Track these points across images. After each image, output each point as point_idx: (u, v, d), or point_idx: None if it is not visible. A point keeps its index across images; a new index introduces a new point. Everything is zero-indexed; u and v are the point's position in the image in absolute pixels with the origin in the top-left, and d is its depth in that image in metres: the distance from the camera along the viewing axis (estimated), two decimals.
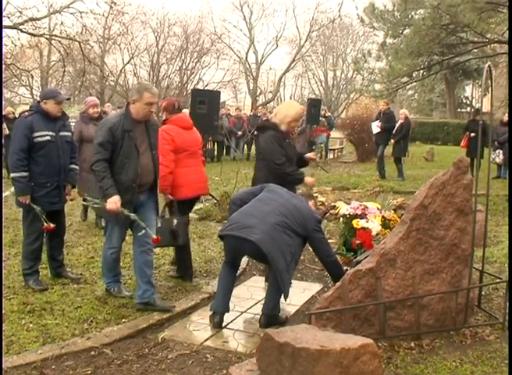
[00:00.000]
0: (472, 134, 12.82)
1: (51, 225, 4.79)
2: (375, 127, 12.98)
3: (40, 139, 4.73)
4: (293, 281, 5.28)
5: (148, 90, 4.27)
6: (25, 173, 4.68)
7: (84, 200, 4.87)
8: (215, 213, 8.04)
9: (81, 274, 5.24)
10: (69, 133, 5.05)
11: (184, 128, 5.09)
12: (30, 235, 4.90)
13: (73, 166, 5.10)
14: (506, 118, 13.59)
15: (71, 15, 17.61)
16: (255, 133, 5.42)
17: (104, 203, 4.19)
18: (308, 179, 5.15)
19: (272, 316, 4.13)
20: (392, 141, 12.81)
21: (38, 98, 5.05)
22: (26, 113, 4.84)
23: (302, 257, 5.31)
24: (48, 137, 4.77)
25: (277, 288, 4.08)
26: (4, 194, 5.77)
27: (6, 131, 9.92)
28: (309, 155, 5.38)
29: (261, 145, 5.00)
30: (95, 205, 4.40)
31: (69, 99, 6.65)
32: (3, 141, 9.38)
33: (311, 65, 34.86)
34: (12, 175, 4.76)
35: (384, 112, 12.83)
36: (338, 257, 5.60)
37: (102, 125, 4.36)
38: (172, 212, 5.09)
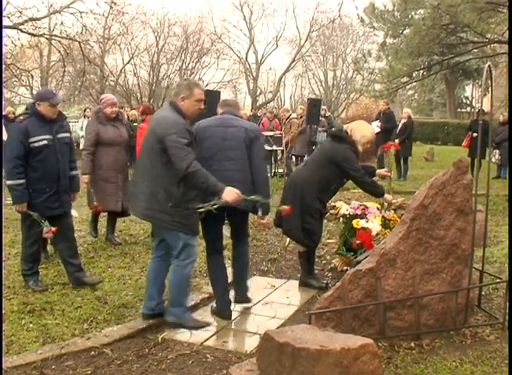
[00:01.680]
0: (475, 134, 12.83)
1: (53, 228, 4.66)
2: (375, 127, 12.96)
3: (36, 144, 4.55)
4: (292, 281, 5.30)
5: (198, 86, 4.04)
6: (21, 181, 4.52)
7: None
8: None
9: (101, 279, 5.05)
10: (67, 134, 4.86)
11: None
12: (28, 239, 4.81)
13: (74, 172, 4.95)
14: (502, 118, 13.62)
15: (71, 15, 17.62)
16: (329, 139, 5.22)
17: (221, 200, 3.74)
18: (388, 196, 5.27)
19: None
20: (396, 141, 12.78)
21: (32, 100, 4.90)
22: (21, 117, 4.66)
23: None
24: (45, 142, 4.59)
25: None
26: (6, 201, 5.64)
27: (5, 136, 9.79)
28: (382, 171, 5.33)
29: (339, 152, 4.87)
30: (214, 206, 3.74)
31: (64, 101, 6.42)
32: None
33: (311, 65, 34.83)
34: (8, 183, 4.59)
35: (384, 112, 12.80)
36: (338, 257, 5.64)
37: (174, 124, 3.78)
38: None
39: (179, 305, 4.06)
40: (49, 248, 5.69)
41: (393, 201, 5.40)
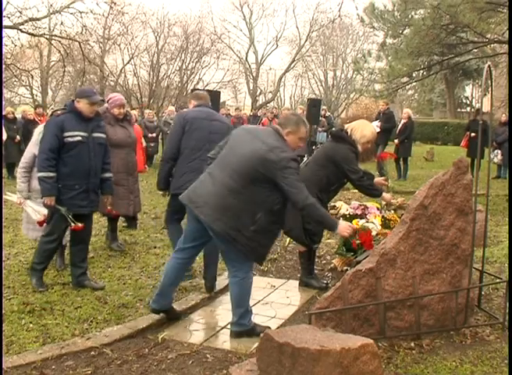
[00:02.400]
0: (472, 134, 12.83)
1: (79, 224, 4.59)
2: (375, 127, 12.95)
3: (70, 139, 4.54)
4: (292, 281, 5.30)
5: (305, 125, 3.95)
6: (52, 174, 4.50)
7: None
8: None
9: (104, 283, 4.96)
10: (103, 135, 4.81)
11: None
12: (49, 235, 4.74)
13: (108, 174, 4.90)
14: (504, 118, 13.61)
15: (71, 15, 17.61)
16: (329, 139, 5.23)
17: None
18: (386, 195, 5.24)
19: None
20: (395, 141, 12.79)
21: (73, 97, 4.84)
22: (59, 112, 4.68)
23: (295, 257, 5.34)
24: (79, 138, 4.58)
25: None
26: (9, 197, 5.53)
27: (4, 136, 9.81)
28: (380, 180, 5.29)
29: (338, 153, 4.86)
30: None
31: (103, 101, 5.85)
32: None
33: (311, 65, 34.83)
34: (38, 175, 4.57)
35: (383, 112, 12.80)
36: (338, 257, 5.64)
37: (287, 157, 3.68)
38: None
39: (245, 316, 3.94)
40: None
41: (393, 200, 5.38)
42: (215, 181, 3.75)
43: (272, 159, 3.63)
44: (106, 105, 6.02)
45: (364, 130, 4.96)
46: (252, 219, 3.65)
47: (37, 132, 5.11)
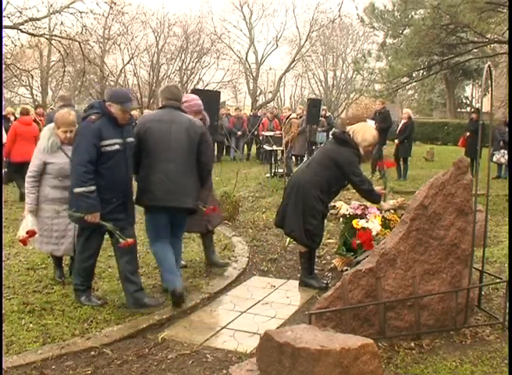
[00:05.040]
0: (467, 134, 12.86)
1: (129, 240, 4.18)
2: (372, 124, 12.99)
3: (108, 148, 4.12)
4: (292, 281, 5.30)
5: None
6: (93, 187, 4.05)
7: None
8: None
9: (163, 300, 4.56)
10: (134, 140, 4.39)
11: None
12: (84, 252, 4.42)
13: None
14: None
15: (71, 15, 17.63)
16: (332, 140, 5.24)
17: None
18: (385, 204, 5.30)
19: None
20: (395, 141, 12.80)
21: (105, 97, 4.33)
22: (93, 117, 4.14)
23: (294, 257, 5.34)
24: (117, 146, 4.16)
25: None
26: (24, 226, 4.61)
27: (4, 137, 9.78)
28: (378, 189, 5.25)
29: (342, 155, 4.89)
30: None
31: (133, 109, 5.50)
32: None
33: (311, 65, 34.84)
34: (77, 190, 4.07)
35: (379, 111, 12.82)
36: (338, 257, 5.64)
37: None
38: None
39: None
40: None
41: (391, 203, 5.38)
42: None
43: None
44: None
45: (365, 133, 4.97)
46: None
47: (46, 137, 4.75)
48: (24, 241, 4.39)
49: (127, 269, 4.38)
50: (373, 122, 12.88)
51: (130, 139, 4.33)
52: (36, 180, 4.70)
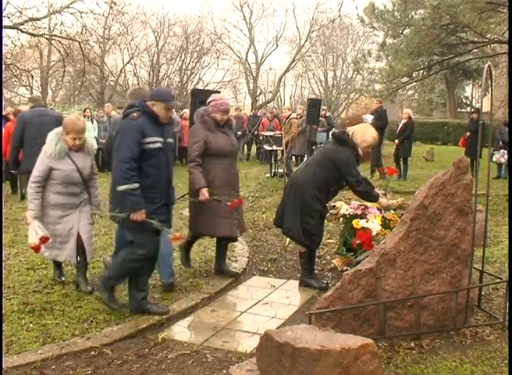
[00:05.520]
0: (468, 134, 12.86)
1: (178, 234, 4.20)
2: (369, 119, 13.05)
3: (151, 146, 4.00)
4: (292, 281, 5.30)
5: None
6: (137, 185, 3.93)
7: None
8: None
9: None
10: (172, 140, 4.33)
11: None
12: (139, 248, 4.14)
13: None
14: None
15: (71, 15, 17.65)
16: (331, 140, 5.24)
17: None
18: (383, 200, 5.17)
19: None
20: (396, 141, 12.80)
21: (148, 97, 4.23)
22: (135, 114, 4.03)
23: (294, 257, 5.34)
24: (159, 144, 4.06)
25: None
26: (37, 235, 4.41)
27: None
28: (379, 192, 5.22)
29: (339, 155, 4.89)
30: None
31: (178, 107, 5.43)
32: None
33: (311, 65, 34.84)
34: (121, 188, 3.92)
35: (376, 110, 12.85)
36: (338, 257, 5.63)
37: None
38: None
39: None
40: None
41: (391, 202, 5.35)
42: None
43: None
44: (203, 107, 5.27)
45: (365, 134, 4.97)
46: None
47: (53, 142, 4.59)
48: (37, 248, 4.25)
49: (142, 280, 4.32)
50: (371, 117, 12.93)
51: (170, 140, 4.24)
52: (40, 186, 4.55)
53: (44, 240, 4.27)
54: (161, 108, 4.07)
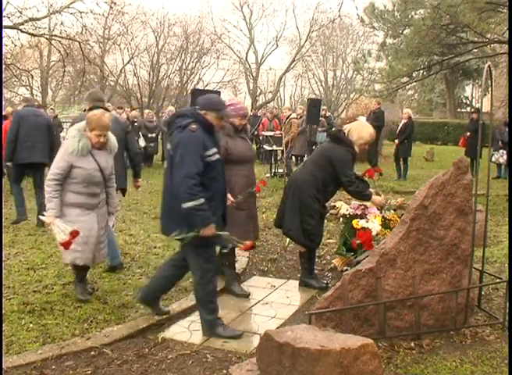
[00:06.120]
0: (468, 134, 12.87)
1: (247, 243, 4.08)
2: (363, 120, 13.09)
3: (213, 158, 3.81)
4: (292, 281, 5.30)
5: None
6: (203, 200, 3.70)
7: None
8: None
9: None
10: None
11: None
12: (205, 273, 3.93)
13: None
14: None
15: (71, 15, 17.62)
16: (328, 139, 5.26)
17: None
18: (376, 198, 5.09)
19: None
20: (396, 141, 12.81)
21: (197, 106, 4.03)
22: (194, 126, 3.78)
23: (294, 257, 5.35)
24: (218, 155, 3.87)
25: None
26: (44, 218, 4.47)
27: None
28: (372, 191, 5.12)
29: (335, 153, 4.88)
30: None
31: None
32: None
33: (311, 65, 34.84)
34: (187, 205, 3.66)
35: (373, 111, 12.86)
36: (338, 257, 5.63)
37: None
38: None
39: None
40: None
41: (383, 199, 5.26)
42: None
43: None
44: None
45: (361, 131, 4.96)
46: None
47: (76, 138, 4.33)
48: (68, 243, 4.11)
49: (168, 288, 4.31)
50: (364, 118, 12.96)
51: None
52: (60, 184, 4.30)
53: (74, 234, 4.12)
54: (214, 118, 3.91)
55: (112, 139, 4.58)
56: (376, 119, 12.62)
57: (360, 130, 4.96)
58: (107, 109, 5.20)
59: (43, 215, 4.59)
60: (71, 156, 4.30)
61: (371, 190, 5.15)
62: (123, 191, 5.64)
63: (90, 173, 4.35)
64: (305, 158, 11.98)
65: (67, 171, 4.31)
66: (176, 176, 3.74)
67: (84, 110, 4.88)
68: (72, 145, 4.30)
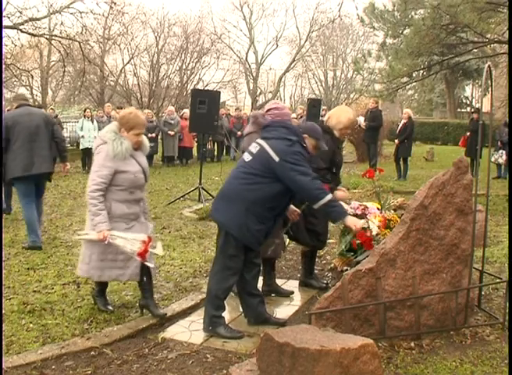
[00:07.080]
0: (467, 134, 12.88)
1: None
2: (360, 121, 13.15)
3: None
4: (292, 281, 5.29)
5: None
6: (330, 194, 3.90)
7: None
8: None
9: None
10: None
11: None
12: (225, 270, 3.90)
13: None
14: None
15: (71, 15, 17.66)
16: None
17: None
18: (339, 193, 4.79)
19: None
20: (396, 141, 12.82)
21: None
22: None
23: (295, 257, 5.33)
24: None
25: None
26: (88, 237, 4.11)
27: None
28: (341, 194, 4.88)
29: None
30: None
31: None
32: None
33: (311, 65, 34.90)
34: (323, 201, 3.78)
35: (371, 110, 12.86)
36: (338, 257, 5.63)
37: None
38: None
39: None
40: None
41: (346, 194, 5.02)
42: None
43: None
44: (255, 112, 4.98)
45: (340, 116, 4.82)
46: None
47: (117, 141, 3.99)
48: (145, 251, 3.96)
49: (252, 285, 4.14)
50: (362, 118, 13.00)
51: None
52: (103, 195, 3.95)
53: (149, 240, 3.97)
54: (310, 144, 4.04)
55: (145, 138, 4.28)
56: (373, 118, 12.64)
57: (338, 115, 4.83)
58: (31, 106, 6.28)
59: (86, 234, 4.11)
60: (114, 161, 3.96)
61: (340, 188, 5.00)
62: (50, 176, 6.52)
63: (136, 175, 4.06)
64: None
65: (110, 178, 3.96)
66: (300, 180, 3.80)
67: (8, 109, 5.35)
68: (114, 149, 3.95)
